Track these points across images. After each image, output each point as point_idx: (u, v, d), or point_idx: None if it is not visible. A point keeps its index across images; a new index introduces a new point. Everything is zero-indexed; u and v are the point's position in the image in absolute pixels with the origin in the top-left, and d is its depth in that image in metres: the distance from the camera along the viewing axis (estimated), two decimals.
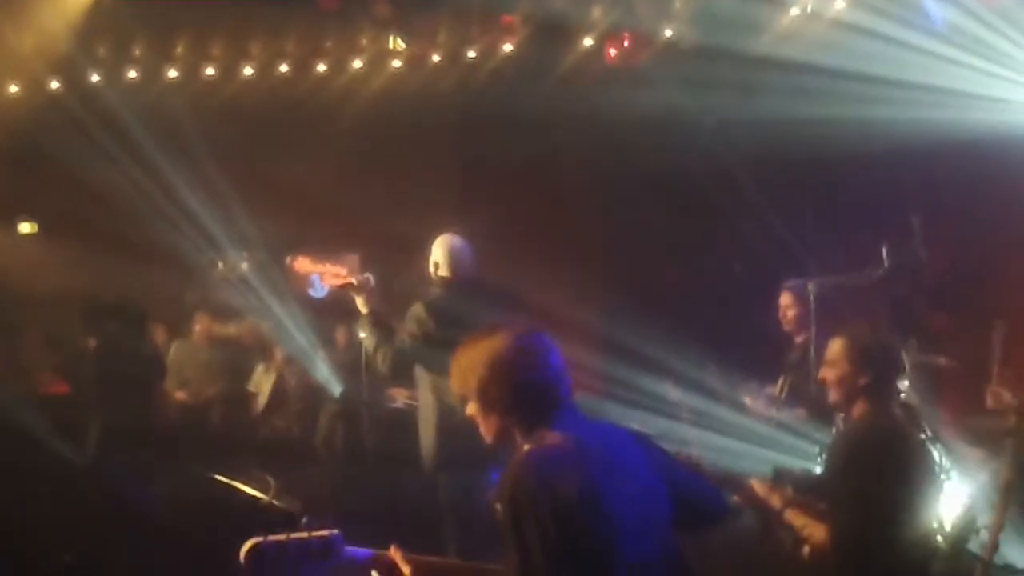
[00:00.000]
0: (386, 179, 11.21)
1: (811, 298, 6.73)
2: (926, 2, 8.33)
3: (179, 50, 11.48)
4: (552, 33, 10.50)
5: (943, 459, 4.49)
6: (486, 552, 3.41)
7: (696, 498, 3.42)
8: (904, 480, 4.14)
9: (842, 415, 4.97)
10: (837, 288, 6.77)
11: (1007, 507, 4.70)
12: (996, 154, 8.10)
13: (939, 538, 4.40)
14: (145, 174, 11.01)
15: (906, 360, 4.44)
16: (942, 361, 6.79)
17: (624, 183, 11.05)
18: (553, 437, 3.18)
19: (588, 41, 10.50)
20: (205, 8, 10.52)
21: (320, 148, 11.31)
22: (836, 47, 8.79)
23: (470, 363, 3.31)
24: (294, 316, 10.53)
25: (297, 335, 10.39)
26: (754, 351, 7.79)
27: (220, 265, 12.15)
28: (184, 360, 10.47)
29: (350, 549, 3.13)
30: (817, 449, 5.60)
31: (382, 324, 6.33)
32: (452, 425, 6.20)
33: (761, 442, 6.57)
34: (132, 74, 11.48)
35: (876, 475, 4.10)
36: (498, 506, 3.08)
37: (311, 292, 9.12)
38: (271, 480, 4.94)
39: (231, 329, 11.01)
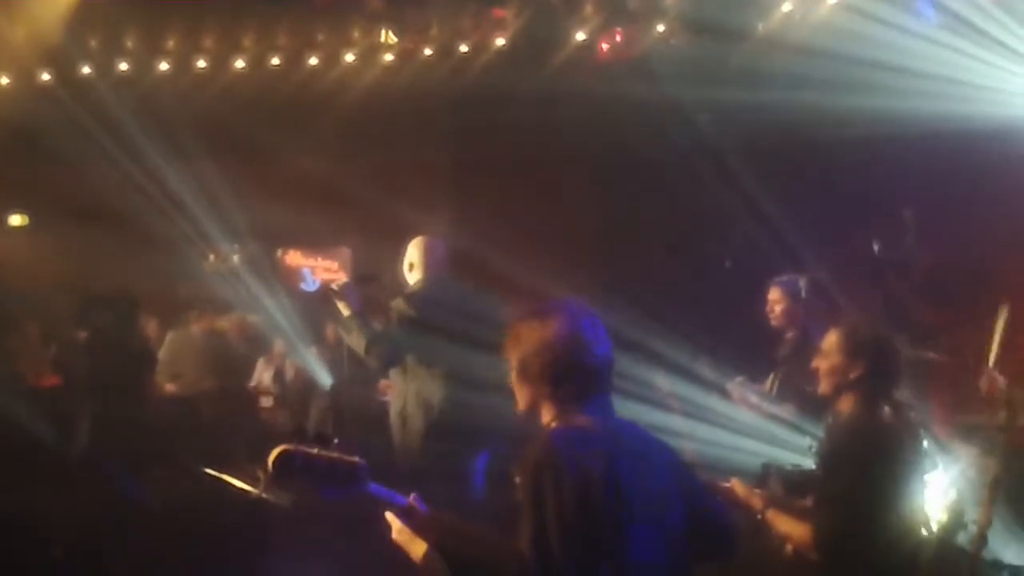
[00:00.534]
0: (377, 172, 11.20)
1: (801, 293, 6.73)
2: None
3: (171, 43, 11.48)
4: (544, 28, 10.50)
5: (931, 455, 4.50)
6: None
7: (711, 524, 3.40)
8: (891, 478, 4.13)
9: (833, 411, 4.97)
10: (828, 283, 6.78)
11: (995, 502, 4.72)
12: (992, 146, 8.11)
13: (927, 533, 4.40)
14: (136, 167, 10.99)
15: (902, 358, 4.44)
16: (932, 355, 6.80)
17: (616, 176, 11.06)
18: (582, 419, 3.20)
19: (580, 36, 10.50)
20: (196, 1, 10.51)
21: (311, 141, 11.31)
22: (830, 38, 8.80)
23: (522, 334, 3.32)
24: (285, 309, 10.54)
25: (288, 328, 10.40)
26: (746, 345, 7.80)
27: (211, 257, 12.15)
28: (179, 352, 10.44)
29: (373, 485, 3.12)
30: (808, 443, 5.60)
31: (368, 324, 6.34)
32: (437, 422, 6.26)
33: (751, 435, 6.58)
34: (124, 66, 11.47)
35: (862, 473, 4.09)
36: (518, 479, 3.10)
37: (302, 286, 9.11)
38: (261, 474, 4.94)
39: (223, 323, 11.01)
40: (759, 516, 4.30)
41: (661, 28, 10.20)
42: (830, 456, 4.28)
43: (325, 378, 9.69)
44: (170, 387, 10.19)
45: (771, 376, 6.82)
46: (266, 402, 10.67)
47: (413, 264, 6.56)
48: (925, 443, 4.54)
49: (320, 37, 11.40)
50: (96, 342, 8.42)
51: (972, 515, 4.80)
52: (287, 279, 11.80)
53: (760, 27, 9.68)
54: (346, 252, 13.08)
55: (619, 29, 10.38)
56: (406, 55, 11.24)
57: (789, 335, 6.81)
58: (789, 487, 4.61)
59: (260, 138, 11.27)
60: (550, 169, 11.46)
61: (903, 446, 4.26)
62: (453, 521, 3.27)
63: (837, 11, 9.15)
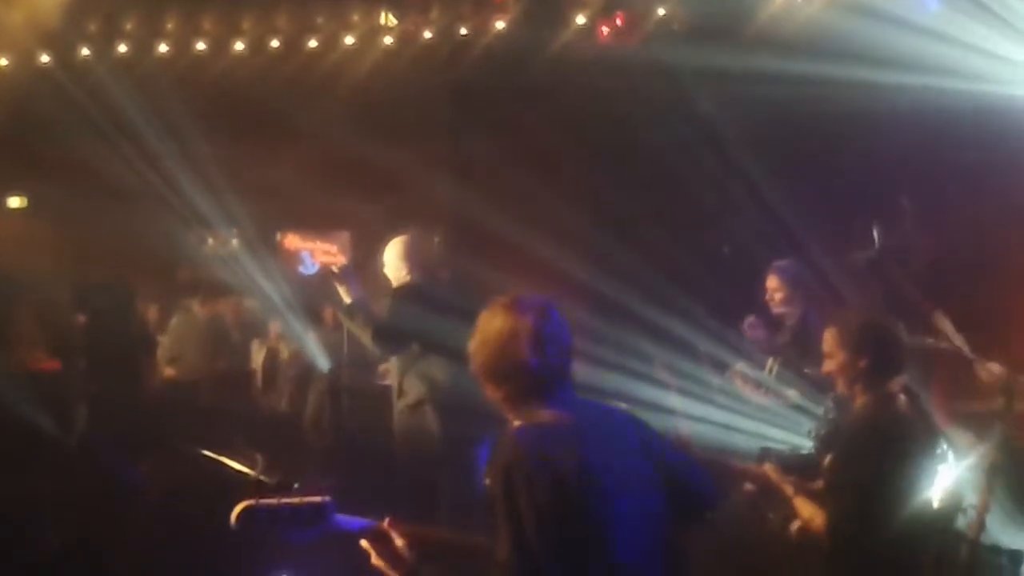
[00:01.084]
0: (377, 155, 11.19)
1: (800, 279, 6.73)
2: None
3: (170, 25, 11.46)
4: (544, 11, 10.48)
5: (943, 444, 4.50)
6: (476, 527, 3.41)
7: (688, 484, 3.40)
8: (904, 467, 4.15)
9: (833, 395, 4.97)
10: (827, 269, 6.77)
11: (993, 488, 4.72)
12: (992, 137, 8.10)
13: (927, 519, 4.41)
14: (135, 149, 10.98)
15: (903, 339, 4.45)
16: (929, 342, 6.79)
17: (615, 162, 11.05)
18: (546, 415, 3.18)
19: (581, 20, 10.47)
20: None
21: (311, 124, 11.28)
22: (830, 27, 8.78)
23: (478, 331, 3.31)
24: (283, 292, 10.53)
25: (286, 312, 10.39)
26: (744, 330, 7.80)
27: (210, 241, 12.15)
28: (182, 337, 10.45)
29: (341, 517, 3.14)
30: (807, 428, 5.61)
31: (369, 309, 6.35)
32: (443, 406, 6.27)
33: (751, 417, 6.59)
34: (122, 49, 11.45)
35: (876, 462, 4.11)
36: (488, 481, 3.09)
37: (301, 269, 9.06)
38: (259, 456, 4.94)
39: (222, 306, 11.01)
40: (790, 500, 4.34)
41: (662, 12, 10.17)
42: (845, 444, 4.29)
43: (323, 362, 9.68)
44: (169, 371, 10.20)
45: (770, 360, 6.83)
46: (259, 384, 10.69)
47: (395, 265, 6.55)
48: (938, 432, 4.56)
49: (320, 20, 11.38)
50: (94, 326, 8.41)
51: (971, 500, 4.81)
52: (286, 262, 11.78)
53: (760, 14, 9.65)
54: (345, 235, 13.08)
55: (620, 13, 10.35)
56: (406, 38, 11.21)
57: (788, 321, 6.81)
58: (786, 470, 4.61)
59: (259, 121, 11.27)
60: (550, 153, 11.43)
61: (917, 435, 4.28)
62: (432, 535, 3.28)
63: (834, 4, 9.12)
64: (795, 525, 4.34)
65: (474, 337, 3.32)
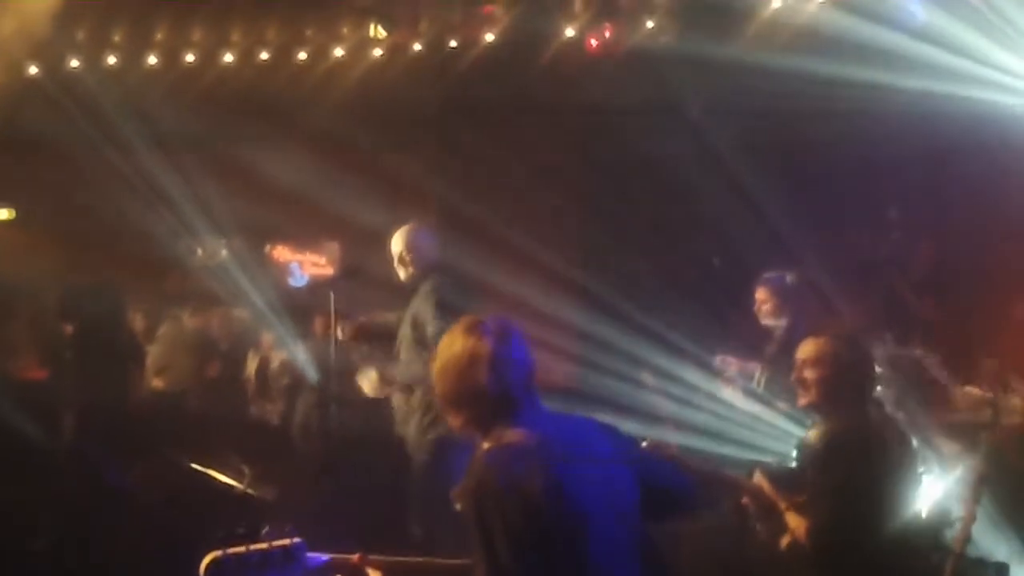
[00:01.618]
0: (366, 167, 11.19)
1: (788, 290, 6.75)
2: None
3: (159, 36, 11.43)
4: (533, 23, 10.49)
5: (920, 455, 4.54)
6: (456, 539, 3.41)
7: (664, 485, 3.41)
8: (880, 475, 4.18)
9: (817, 416, 5.00)
10: (819, 279, 6.80)
11: (979, 500, 4.74)
12: (988, 145, 8.13)
13: (913, 531, 4.43)
14: (124, 160, 10.96)
15: (879, 359, 4.50)
16: (918, 353, 6.83)
17: (604, 172, 11.06)
18: (513, 435, 3.19)
19: (570, 31, 10.49)
20: None
21: (300, 136, 11.29)
22: (819, 37, 8.80)
23: (438, 357, 3.33)
24: (273, 303, 10.52)
25: (276, 322, 10.38)
26: (733, 341, 7.81)
27: (199, 252, 12.13)
28: (171, 347, 10.42)
29: (312, 556, 3.14)
30: (794, 441, 5.62)
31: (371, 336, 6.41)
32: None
33: (739, 429, 6.60)
34: (111, 60, 11.43)
35: (854, 472, 4.14)
36: (458, 505, 3.09)
37: (290, 280, 9.11)
38: (245, 468, 4.95)
39: (211, 317, 11.00)
40: (781, 514, 4.36)
41: (650, 24, 10.19)
42: (825, 456, 4.31)
43: (312, 373, 9.68)
44: (158, 381, 10.17)
45: (758, 371, 6.85)
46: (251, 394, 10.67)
47: (402, 256, 6.56)
48: (914, 442, 4.59)
49: (309, 32, 11.38)
50: (82, 335, 8.38)
51: (957, 512, 4.83)
52: (275, 273, 11.77)
53: (750, 23, 9.67)
54: (334, 247, 13.06)
55: (608, 24, 10.37)
56: (395, 49, 11.22)
57: (777, 332, 6.83)
58: (775, 483, 4.62)
59: (248, 132, 11.26)
60: (539, 163, 11.44)
61: (890, 444, 4.31)
62: (407, 564, 3.29)
63: (826, 7, 9.14)
64: (785, 540, 4.35)
65: (436, 363, 3.33)
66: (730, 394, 6.89)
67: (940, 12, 8.19)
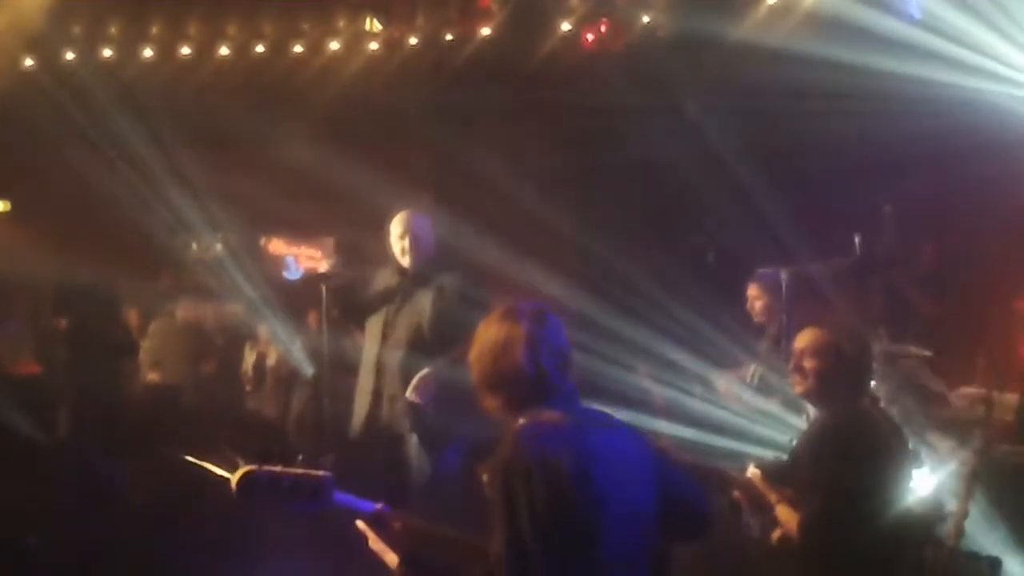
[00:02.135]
0: (362, 161, 11.17)
1: (782, 288, 6.74)
2: None
3: (154, 29, 11.43)
4: (529, 17, 10.49)
5: (913, 449, 4.54)
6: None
7: (686, 506, 3.41)
8: (874, 471, 4.18)
9: (812, 405, 5.01)
10: (808, 278, 6.78)
11: (972, 495, 4.75)
12: (987, 141, 8.12)
13: (906, 525, 4.44)
14: (119, 154, 10.95)
15: (875, 354, 4.50)
16: (912, 350, 6.83)
17: (599, 169, 11.05)
18: (549, 414, 3.18)
19: (566, 26, 10.49)
20: None
21: (296, 129, 11.27)
22: (815, 34, 8.79)
23: (476, 342, 3.34)
24: (268, 297, 10.52)
25: (271, 316, 10.38)
26: (727, 338, 7.82)
27: (194, 246, 12.11)
28: (163, 341, 10.42)
29: (339, 495, 3.13)
30: (788, 438, 5.63)
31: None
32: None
33: (733, 425, 6.61)
34: (107, 53, 11.42)
35: (846, 465, 4.14)
36: (485, 478, 3.09)
37: (285, 274, 9.03)
38: (241, 462, 4.94)
39: (205, 311, 11.00)
40: (772, 508, 4.36)
41: (646, 19, 10.19)
42: (817, 449, 4.32)
43: (307, 367, 9.68)
44: (152, 376, 10.18)
45: (752, 369, 6.85)
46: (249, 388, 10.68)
47: (404, 248, 6.54)
48: (907, 436, 4.59)
49: (305, 25, 11.37)
50: (76, 331, 8.39)
51: (951, 507, 4.84)
52: (270, 267, 11.75)
53: (746, 21, 9.67)
54: (330, 241, 13.04)
55: (604, 20, 10.37)
56: (391, 43, 11.21)
57: (770, 329, 6.83)
58: (769, 478, 4.62)
59: (244, 126, 11.24)
60: (534, 160, 11.44)
61: (884, 437, 4.31)
62: (423, 528, 3.28)
63: (822, 5, 9.14)
64: (776, 533, 4.36)
65: (473, 348, 3.35)
66: (724, 389, 6.90)
67: (940, 3, 8.18)
